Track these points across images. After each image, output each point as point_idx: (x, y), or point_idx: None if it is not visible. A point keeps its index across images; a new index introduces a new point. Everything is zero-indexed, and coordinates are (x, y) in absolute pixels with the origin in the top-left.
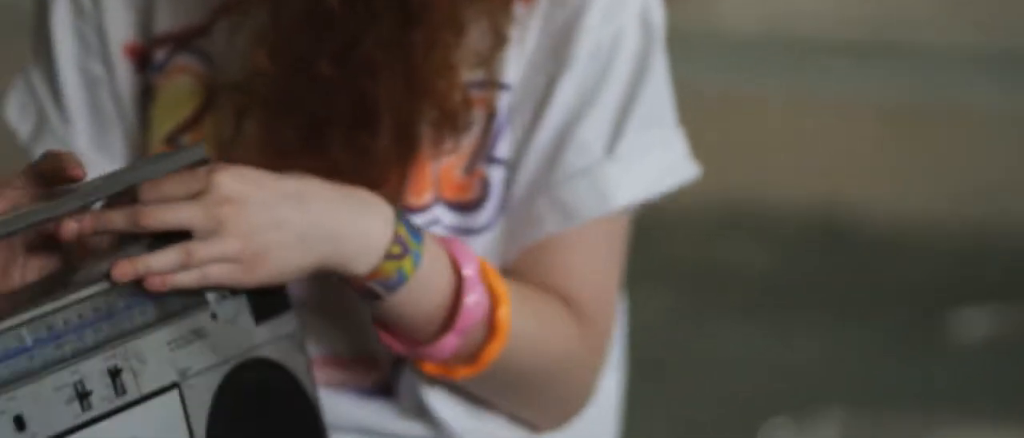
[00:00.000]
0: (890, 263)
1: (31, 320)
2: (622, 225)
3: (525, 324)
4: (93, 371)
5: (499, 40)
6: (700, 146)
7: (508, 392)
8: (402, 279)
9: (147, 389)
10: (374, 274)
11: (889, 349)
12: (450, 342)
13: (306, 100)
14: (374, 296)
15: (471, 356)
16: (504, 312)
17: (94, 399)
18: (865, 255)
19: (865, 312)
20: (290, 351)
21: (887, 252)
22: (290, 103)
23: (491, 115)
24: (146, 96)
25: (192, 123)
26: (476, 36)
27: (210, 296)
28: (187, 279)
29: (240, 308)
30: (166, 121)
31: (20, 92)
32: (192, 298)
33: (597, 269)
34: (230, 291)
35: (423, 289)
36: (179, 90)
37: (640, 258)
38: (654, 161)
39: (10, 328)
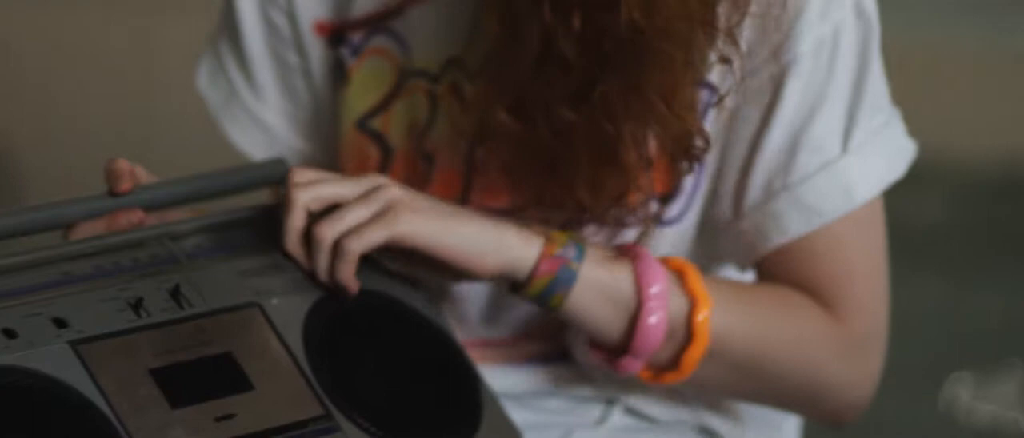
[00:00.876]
0: None
1: (74, 257)
2: (872, 214)
3: (735, 322)
4: (148, 288)
5: (720, 60)
6: None
7: (740, 394)
8: (579, 249)
9: (218, 305)
10: (551, 247)
11: None
12: (630, 365)
13: (546, 143)
14: (567, 272)
15: (673, 362)
16: (703, 315)
17: (151, 309)
18: None
19: None
20: (392, 284)
21: None
22: (529, 142)
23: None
24: (339, 76)
25: (382, 107)
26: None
27: None
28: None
29: None
30: (358, 105)
31: (210, 65)
32: (263, 242)
33: (850, 262)
34: None
35: (596, 293)
36: (372, 72)
37: None
38: (887, 147)
39: (50, 261)
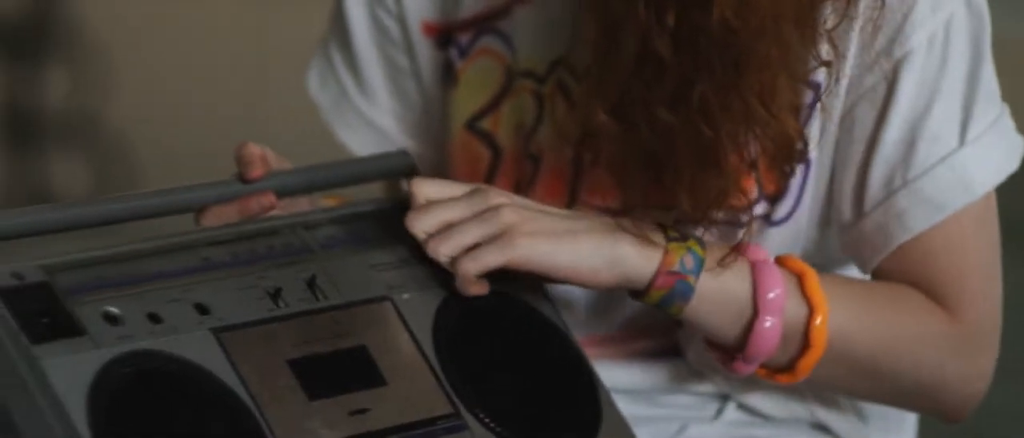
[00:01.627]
0: None
1: (213, 243)
2: (988, 208)
3: (852, 324)
4: (286, 278)
5: (821, 62)
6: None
7: (856, 393)
8: (698, 259)
9: (352, 297)
10: (669, 260)
11: None
12: (744, 367)
13: (648, 147)
14: (685, 286)
15: (789, 365)
16: (819, 321)
17: (288, 299)
18: None
19: None
20: (517, 286)
21: None
22: (632, 145)
23: (796, 109)
24: (448, 77)
25: (491, 107)
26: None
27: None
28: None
29: None
30: (468, 105)
31: (320, 66)
32: (395, 235)
33: (967, 258)
34: None
35: (723, 275)
36: (481, 73)
37: None
38: (1002, 139)
39: (189, 245)
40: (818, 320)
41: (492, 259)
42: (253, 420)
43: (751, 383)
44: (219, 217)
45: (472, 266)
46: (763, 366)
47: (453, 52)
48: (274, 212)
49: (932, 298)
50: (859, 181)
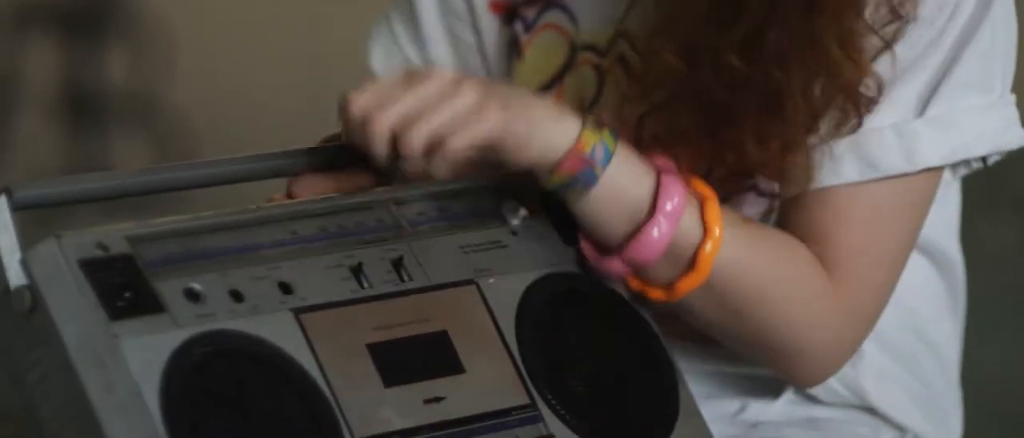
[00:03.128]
0: None
1: (301, 216)
2: (923, 189)
3: (739, 263)
4: (371, 257)
5: (894, 16)
6: None
7: (716, 329)
8: (608, 153)
9: (438, 280)
10: (581, 146)
11: None
12: (615, 265)
13: (713, 92)
14: (589, 174)
15: (668, 285)
16: (708, 249)
17: (373, 280)
18: None
19: None
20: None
21: None
22: (696, 94)
23: None
24: (512, 52)
25: (555, 81)
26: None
27: (510, 216)
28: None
29: (545, 230)
30: (532, 80)
31: (384, 40)
32: (487, 215)
33: (871, 237)
34: (529, 213)
35: (612, 197)
36: (545, 48)
37: (983, 190)
38: (969, 126)
39: (277, 219)
40: (709, 246)
41: (478, 129)
42: (327, 406)
43: None
44: (312, 186)
45: (456, 140)
46: (638, 275)
47: (518, 27)
48: None
49: (822, 260)
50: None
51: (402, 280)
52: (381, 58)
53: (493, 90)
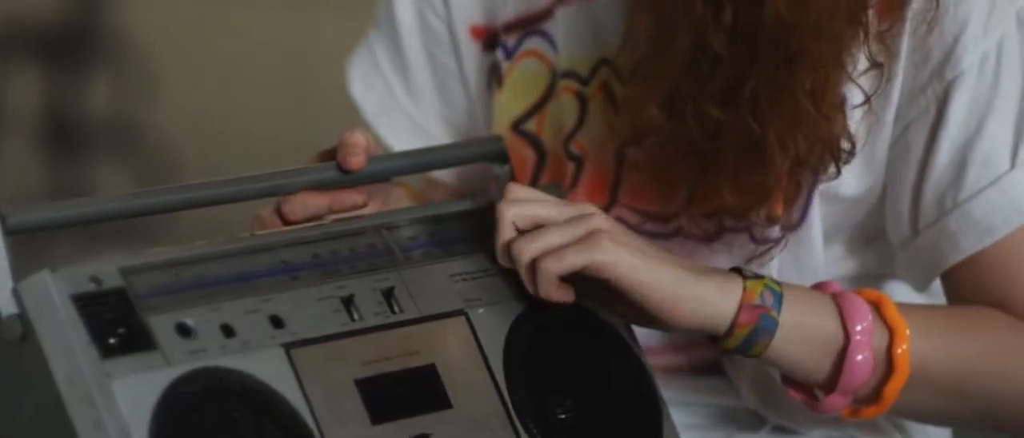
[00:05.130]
0: None
1: (293, 244)
2: None
3: (934, 347)
4: (363, 288)
5: (872, 66)
6: None
7: (948, 415)
8: (776, 294)
9: (428, 311)
10: (749, 296)
11: None
12: (836, 402)
13: (694, 140)
14: (768, 320)
15: (874, 395)
16: (903, 348)
17: (363, 312)
18: None
19: None
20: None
21: None
22: (677, 140)
23: None
24: (494, 80)
25: (536, 108)
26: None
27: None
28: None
29: None
30: (513, 107)
31: (365, 66)
32: (477, 241)
33: None
34: None
35: (805, 304)
36: (526, 75)
37: None
38: None
39: (269, 247)
40: (901, 346)
41: (576, 259)
42: None
43: (779, 405)
44: (306, 207)
45: (554, 265)
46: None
47: (499, 54)
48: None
49: (1010, 313)
50: (913, 202)
51: (392, 311)
52: (362, 84)
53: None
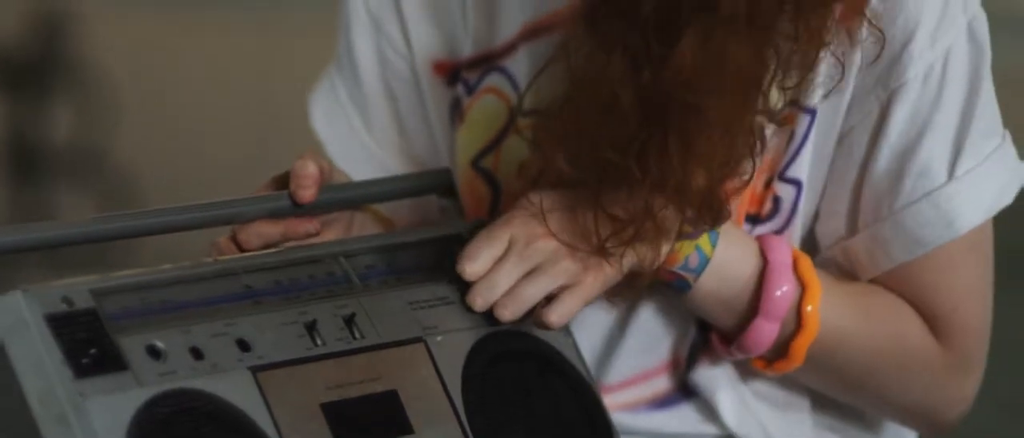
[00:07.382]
0: None
1: (255, 269)
2: (980, 238)
3: (844, 318)
4: (325, 314)
5: (811, 74)
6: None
7: (839, 390)
8: (703, 259)
9: (388, 338)
10: (674, 258)
11: None
12: (763, 327)
13: (602, 189)
14: (683, 284)
15: (782, 349)
16: (813, 304)
17: (326, 337)
18: None
19: None
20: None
21: None
22: (588, 186)
23: (792, 135)
24: (454, 115)
25: (493, 145)
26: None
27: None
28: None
29: None
30: (473, 143)
31: (326, 100)
32: (434, 269)
33: (955, 287)
34: None
35: (728, 271)
36: (485, 111)
37: None
38: (996, 174)
39: (232, 272)
40: (811, 302)
41: (575, 305)
42: None
43: (756, 423)
44: (260, 235)
45: (557, 320)
46: (761, 355)
47: (461, 89)
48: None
49: (923, 318)
50: (852, 202)
51: (354, 337)
52: (324, 119)
53: None
